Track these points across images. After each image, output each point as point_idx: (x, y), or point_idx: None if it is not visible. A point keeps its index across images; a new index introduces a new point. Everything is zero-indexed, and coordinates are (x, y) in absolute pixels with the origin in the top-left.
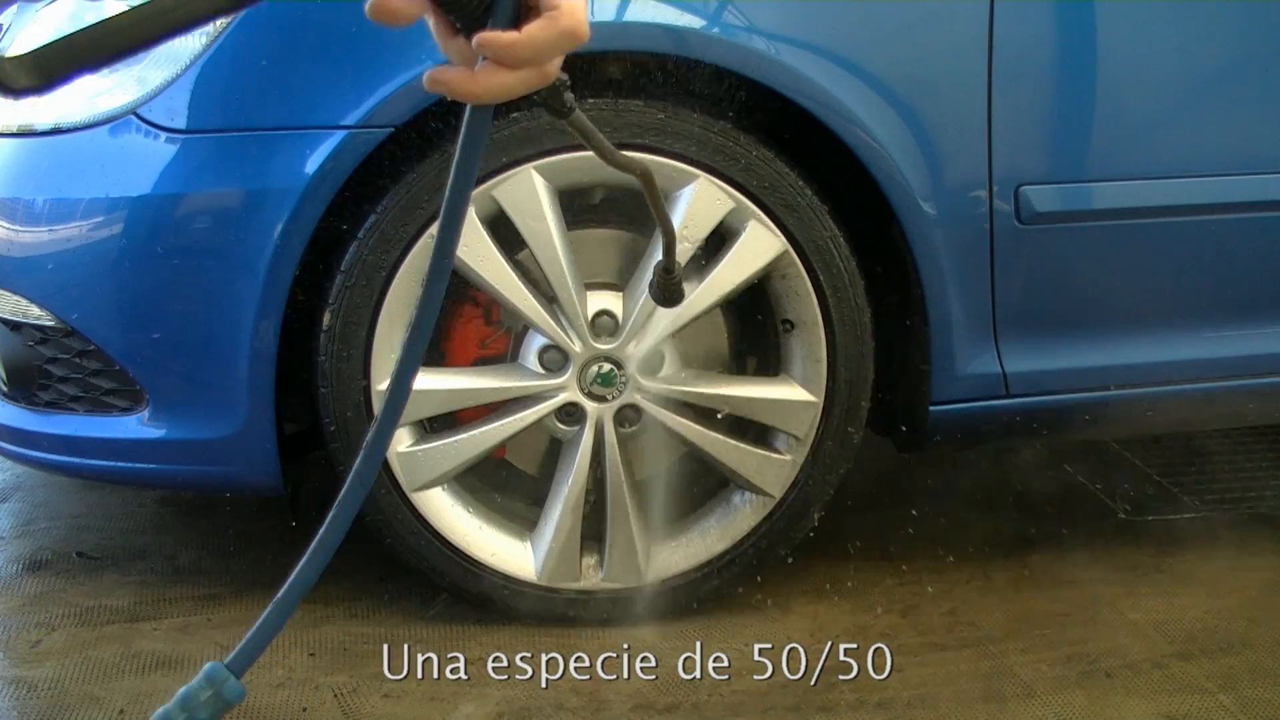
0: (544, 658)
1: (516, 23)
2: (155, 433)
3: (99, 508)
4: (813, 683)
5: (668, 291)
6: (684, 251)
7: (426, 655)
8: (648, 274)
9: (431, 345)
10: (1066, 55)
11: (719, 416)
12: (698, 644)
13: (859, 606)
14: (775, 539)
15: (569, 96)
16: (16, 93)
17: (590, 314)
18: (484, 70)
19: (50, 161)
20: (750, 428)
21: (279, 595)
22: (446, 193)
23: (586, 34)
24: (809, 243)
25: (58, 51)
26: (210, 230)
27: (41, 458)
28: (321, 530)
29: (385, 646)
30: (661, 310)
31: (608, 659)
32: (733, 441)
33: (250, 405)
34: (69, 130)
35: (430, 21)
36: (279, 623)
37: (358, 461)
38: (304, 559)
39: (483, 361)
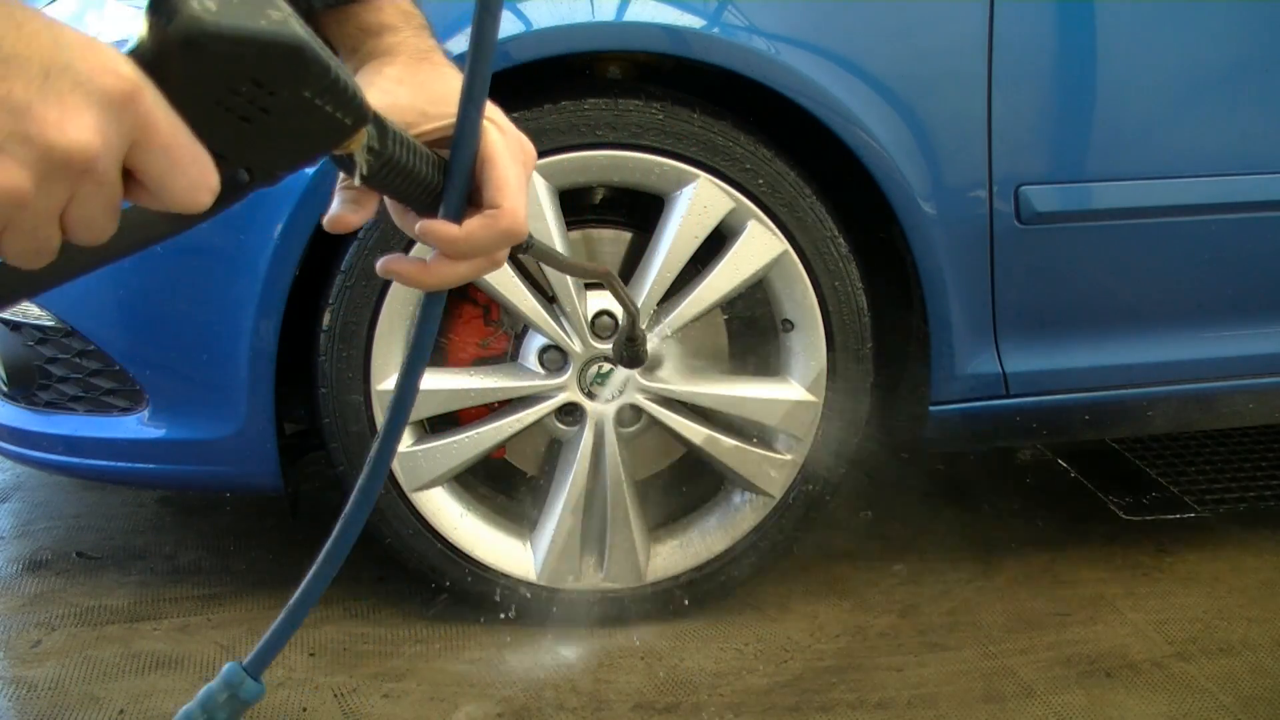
0: (544, 658)
1: (463, 212)
2: (155, 433)
3: (99, 508)
4: (812, 683)
5: (631, 355)
6: (685, 251)
7: (426, 655)
8: (648, 274)
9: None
10: (1066, 55)
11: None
12: (698, 644)
13: (859, 606)
14: (775, 539)
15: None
16: None
17: (590, 314)
18: (436, 262)
19: None
20: (750, 428)
21: (294, 599)
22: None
23: (525, 233)
24: (809, 243)
25: None
26: (210, 230)
27: (41, 458)
28: (328, 544)
29: (385, 647)
30: (661, 310)
31: (608, 659)
32: (733, 441)
33: (250, 405)
34: None
35: (387, 202)
36: (295, 623)
37: (361, 478)
38: (314, 568)
39: (483, 361)
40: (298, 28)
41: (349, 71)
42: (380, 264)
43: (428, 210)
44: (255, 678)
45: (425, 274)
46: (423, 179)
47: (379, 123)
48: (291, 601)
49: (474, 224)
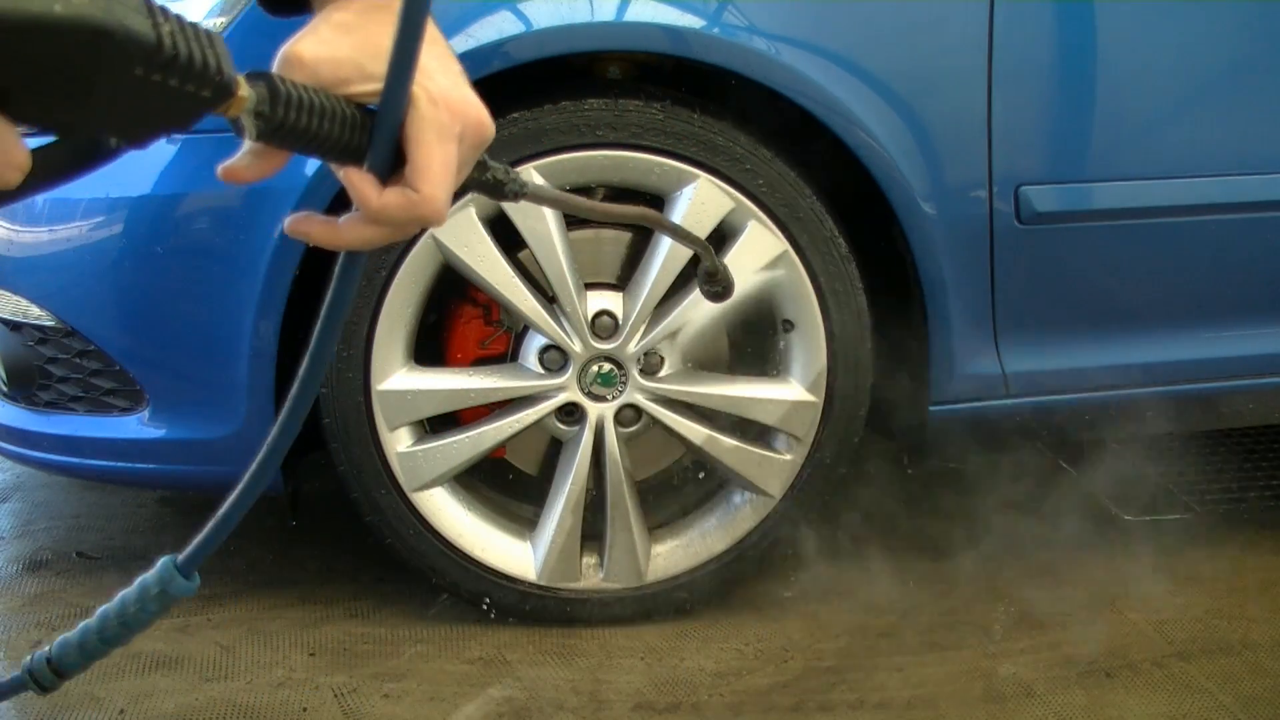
0: (544, 658)
1: (392, 172)
2: (155, 433)
3: (99, 508)
4: (812, 683)
5: (717, 290)
6: (685, 252)
7: (426, 655)
8: (648, 274)
9: (432, 345)
10: (1066, 55)
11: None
12: (698, 644)
13: (859, 606)
14: (776, 539)
15: (513, 183)
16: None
17: (590, 314)
18: (348, 224)
19: None
20: (750, 428)
21: (232, 496)
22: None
23: (442, 221)
24: (809, 243)
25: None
26: (210, 230)
27: (41, 458)
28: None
29: (385, 647)
30: (661, 310)
31: (608, 659)
32: (733, 441)
33: (250, 405)
34: None
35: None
36: (229, 524)
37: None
38: (261, 454)
39: (483, 361)
40: (100, 8)
41: (212, 42)
42: (288, 222)
43: (354, 166)
44: (186, 576)
45: (336, 235)
46: (337, 142)
47: (271, 86)
48: (228, 501)
49: (391, 197)
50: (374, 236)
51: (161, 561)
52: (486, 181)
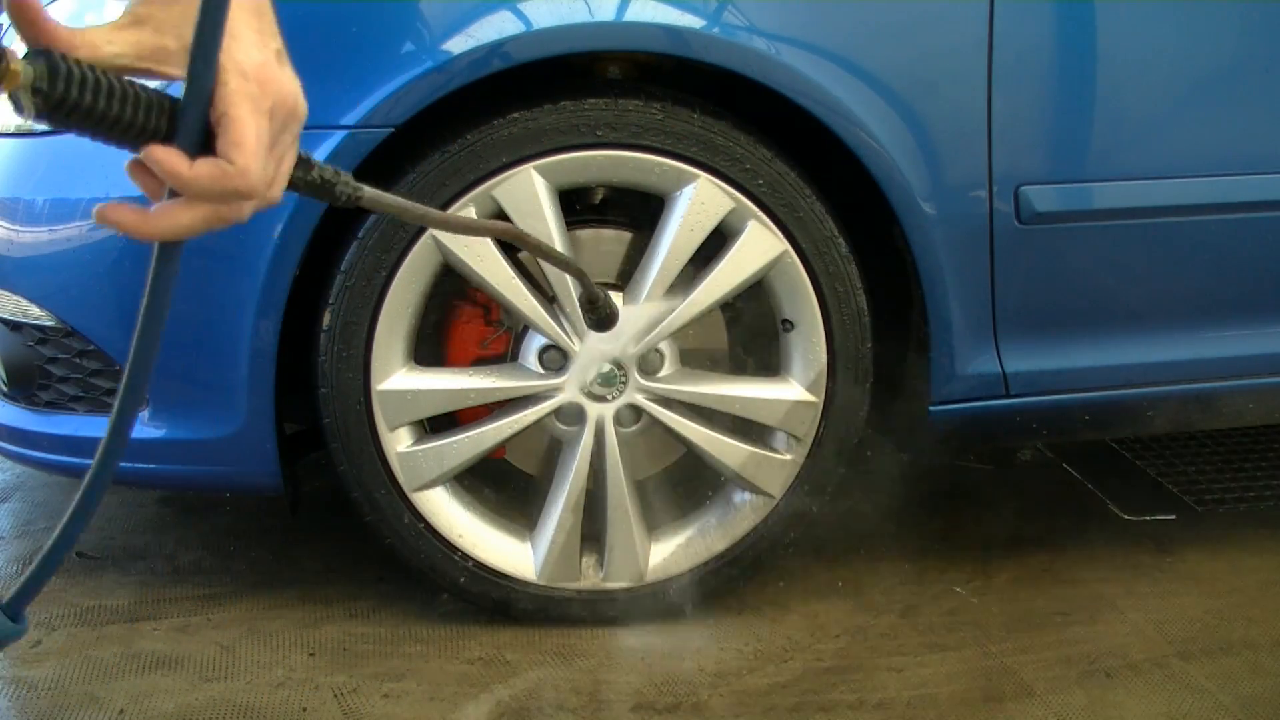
0: (544, 658)
1: (203, 147)
2: (155, 433)
3: (99, 508)
4: (812, 683)
5: (598, 318)
6: (685, 252)
7: (426, 655)
8: (648, 274)
9: (432, 345)
10: (1066, 55)
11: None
12: (698, 644)
13: (859, 606)
14: (775, 539)
15: (345, 185)
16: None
17: None
18: (160, 209)
19: (50, 161)
20: (750, 428)
21: (55, 534)
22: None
23: (258, 194)
24: (809, 243)
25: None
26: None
27: (41, 458)
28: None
29: (385, 647)
30: (662, 310)
31: (608, 659)
32: (733, 441)
33: (250, 405)
34: None
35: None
36: (54, 563)
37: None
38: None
39: (483, 361)
40: None
41: None
42: (96, 210)
43: (142, 142)
44: (13, 618)
45: (146, 222)
46: (131, 123)
47: (52, 62)
48: (52, 538)
49: (203, 168)
50: (190, 221)
51: None
52: (313, 181)
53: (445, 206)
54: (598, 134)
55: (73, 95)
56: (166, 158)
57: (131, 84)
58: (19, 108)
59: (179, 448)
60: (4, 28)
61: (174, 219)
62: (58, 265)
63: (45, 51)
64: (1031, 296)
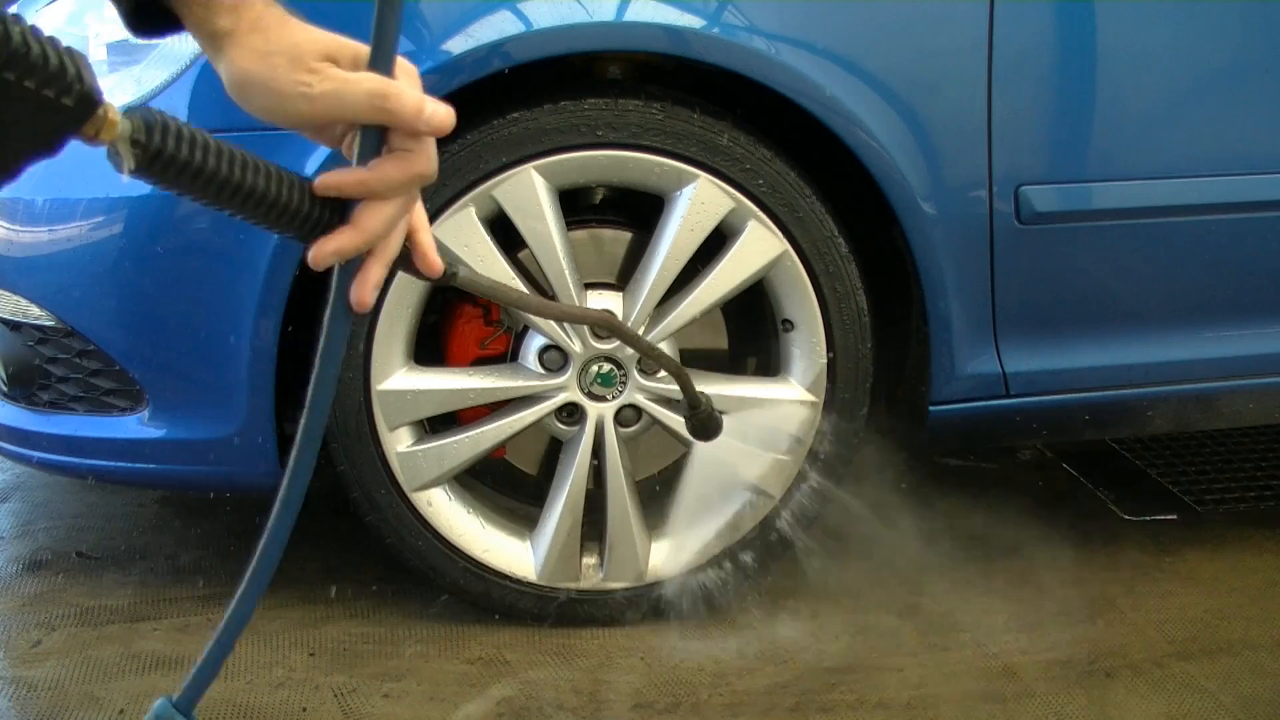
0: (544, 658)
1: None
2: (155, 433)
3: (99, 508)
4: (812, 683)
5: (700, 426)
6: (685, 251)
7: (426, 655)
8: (648, 274)
9: (432, 345)
10: (1066, 55)
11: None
12: (698, 644)
13: (859, 606)
14: (775, 539)
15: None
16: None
17: None
18: (376, 171)
19: (50, 161)
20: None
21: (222, 623)
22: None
23: (436, 173)
24: (809, 243)
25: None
26: (210, 230)
27: (41, 458)
28: (258, 553)
29: (385, 647)
30: (661, 310)
31: (608, 659)
32: (733, 441)
33: (250, 405)
34: None
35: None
36: (225, 652)
37: (285, 483)
38: (244, 583)
39: (483, 361)
40: None
41: (71, 53)
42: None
43: (283, 232)
44: (186, 714)
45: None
46: (242, 188)
47: (148, 115)
48: (220, 627)
49: (387, 165)
50: (392, 211)
51: (158, 703)
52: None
53: (446, 206)
54: (598, 134)
55: (169, 148)
56: (343, 179)
57: (243, 150)
58: (117, 162)
59: (179, 448)
60: (87, 60)
61: (380, 215)
62: (58, 265)
63: (145, 107)
64: (1031, 296)
